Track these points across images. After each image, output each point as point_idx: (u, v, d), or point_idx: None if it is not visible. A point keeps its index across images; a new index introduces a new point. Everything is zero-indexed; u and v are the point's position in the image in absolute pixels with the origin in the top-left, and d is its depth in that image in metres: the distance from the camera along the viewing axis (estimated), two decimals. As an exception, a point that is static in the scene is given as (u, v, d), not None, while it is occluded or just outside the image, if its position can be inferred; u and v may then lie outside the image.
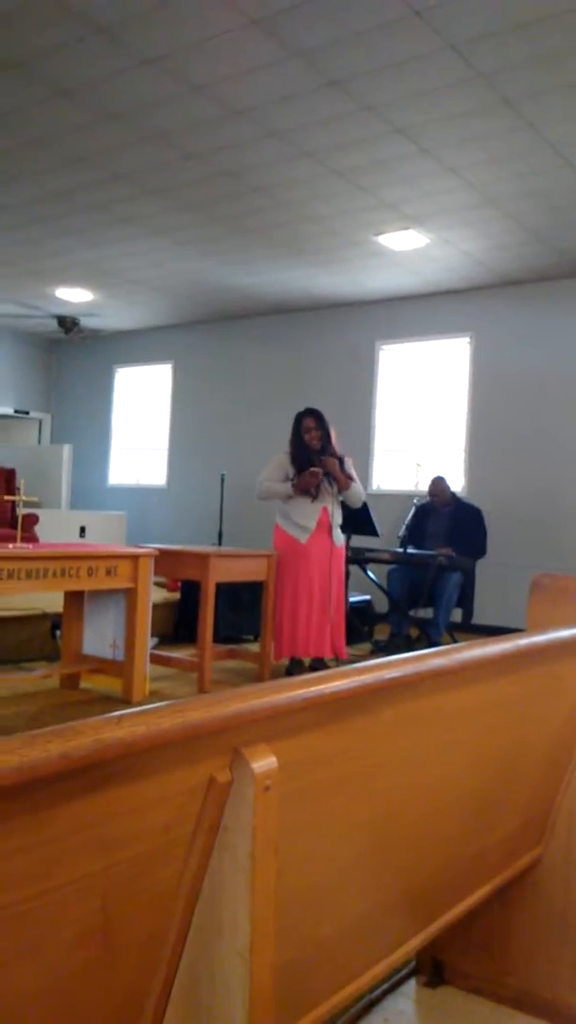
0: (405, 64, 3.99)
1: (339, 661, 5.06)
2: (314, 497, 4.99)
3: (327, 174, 5.28)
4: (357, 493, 5.18)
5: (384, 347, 8.32)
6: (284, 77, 4.15)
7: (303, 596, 4.98)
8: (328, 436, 5.08)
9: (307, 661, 5.15)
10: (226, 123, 4.66)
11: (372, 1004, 1.88)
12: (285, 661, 5.16)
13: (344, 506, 5.21)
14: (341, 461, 5.09)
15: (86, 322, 9.62)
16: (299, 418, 5.11)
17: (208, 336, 9.53)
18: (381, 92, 4.25)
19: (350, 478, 5.10)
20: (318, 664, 5.05)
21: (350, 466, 5.17)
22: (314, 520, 5.00)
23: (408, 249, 6.63)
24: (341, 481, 5.04)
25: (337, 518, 5.10)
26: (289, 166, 5.20)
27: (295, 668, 5.12)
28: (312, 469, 4.93)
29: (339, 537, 5.14)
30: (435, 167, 5.10)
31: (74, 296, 8.59)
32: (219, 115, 4.57)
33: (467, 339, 7.77)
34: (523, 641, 1.55)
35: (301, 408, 5.25)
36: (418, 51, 3.87)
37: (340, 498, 5.13)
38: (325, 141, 4.83)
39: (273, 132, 4.74)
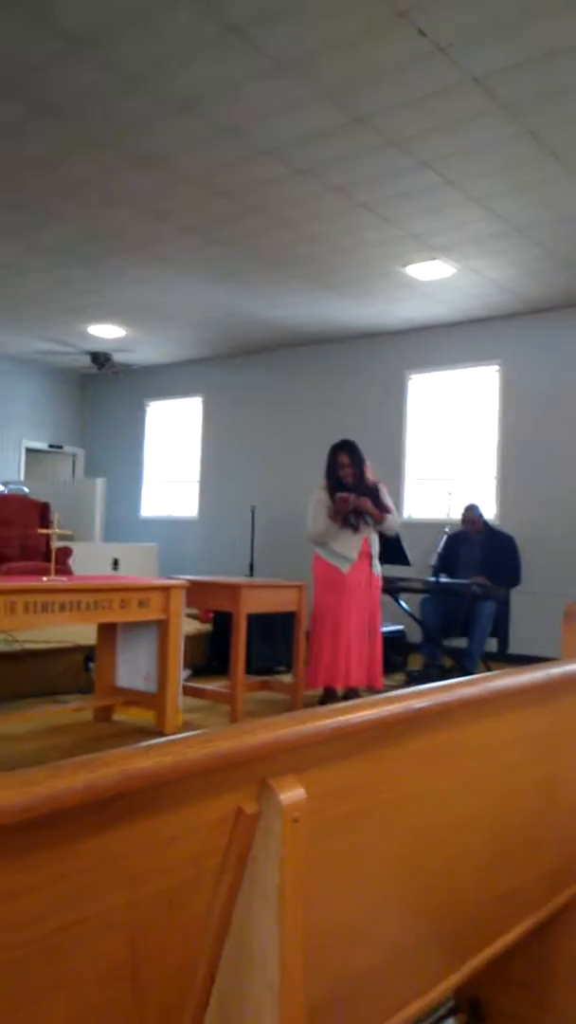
0: (429, 98, 4.04)
1: (375, 691, 5.01)
2: (356, 529, 5.00)
3: (354, 208, 5.35)
4: (392, 523, 5.17)
5: (413, 376, 8.33)
6: (312, 116, 4.23)
7: (343, 626, 4.96)
8: (362, 470, 5.08)
9: (340, 692, 5.11)
10: (255, 162, 4.75)
11: (409, 1045, 1.83)
12: (318, 691, 5.13)
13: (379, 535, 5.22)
14: (376, 492, 5.09)
15: (118, 357, 9.77)
16: (334, 452, 5.13)
17: (238, 369, 9.63)
18: (406, 126, 4.31)
19: (385, 509, 5.10)
20: (351, 695, 5.01)
21: (385, 494, 5.16)
22: (356, 551, 5.00)
23: (435, 279, 6.66)
24: (376, 516, 5.04)
25: (376, 548, 5.11)
26: (317, 201, 5.27)
27: (328, 698, 5.08)
28: (340, 494, 4.94)
29: (377, 567, 5.14)
30: (460, 197, 5.13)
31: (107, 332, 8.75)
32: (248, 154, 4.66)
33: (496, 367, 7.76)
34: (555, 670, 1.53)
35: (330, 438, 5.26)
36: (441, 85, 3.92)
37: (377, 529, 5.13)
38: (352, 176, 4.89)
39: (301, 169, 4.82)
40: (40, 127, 4.44)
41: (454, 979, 1.46)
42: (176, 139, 4.52)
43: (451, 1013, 1.97)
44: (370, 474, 5.17)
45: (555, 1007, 1.84)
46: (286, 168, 4.81)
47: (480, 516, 6.52)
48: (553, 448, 7.32)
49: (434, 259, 6.21)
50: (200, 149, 4.62)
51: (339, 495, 4.95)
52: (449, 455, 8.14)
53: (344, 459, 5.06)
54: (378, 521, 5.06)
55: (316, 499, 5.12)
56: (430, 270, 6.44)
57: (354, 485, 5.02)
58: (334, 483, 5.06)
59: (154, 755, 0.82)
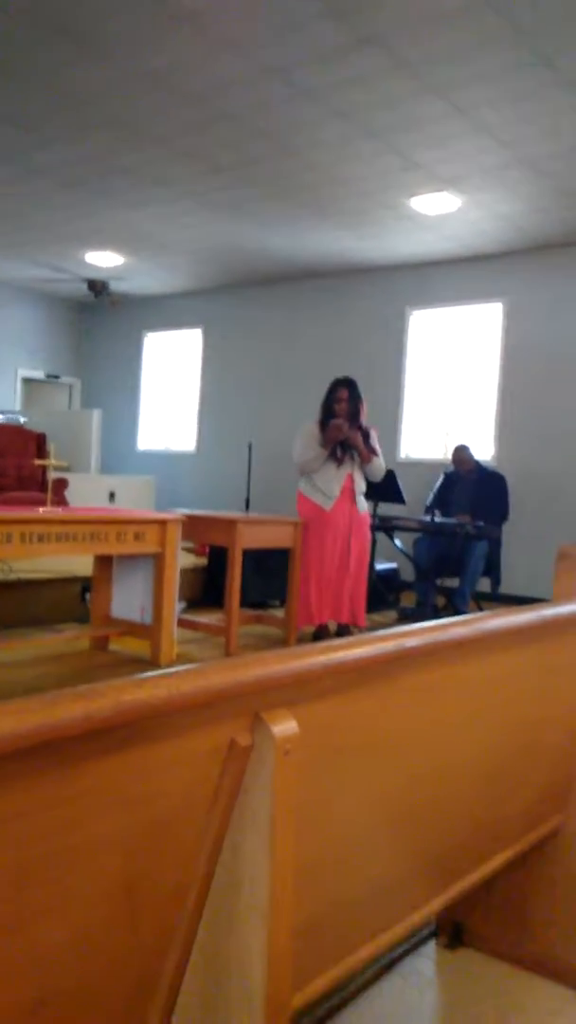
0: (440, 20, 3.88)
1: (358, 629, 5.08)
2: (340, 463, 4.98)
3: (359, 135, 5.19)
4: (378, 468, 5.16)
5: (414, 313, 8.21)
6: (317, 34, 4.06)
7: (328, 563, 4.99)
8: (358, 408, 5.05)
9: (332, 628, 5.17)
10: (258, 82, 4.59)
11: (391, 964, 1.91)
12: (311, 628, 5.19)
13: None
14: (367, 434, 5.06)
15: (115, 286, 9.60)
16: (333, 387, 5.08)
17: (238, 301, 9.48)
18: (415, 49, 4.15)
19: (373, 452, 5.08)
20: (343, 631, 5.07)
21: (374, 439, 5.14)
22: (338, 487, 4.99)
23: (441, 212, 6.51)
24: (364, 455, 5.02)
25: (361, 485, 5.09)
26: (321, 126, 5.11)
27: (322, 635, 5.15)
28: (334, 420, 4.92)
29: (362, 504, 5.14)
30: (470, 127, 4.98)
31: (104, 260, 8.57)
32: (251, 74, 4.49)
33: (500, 305, 7.64)
34: (547, 612, 1.55)
35: (330, 374, 5.20)
36: (453, 6, 3.77)
37: (363, 470, 5.12)
38: (357, 100, 4.73)
39: (305, 91, 4.66)
40: (37, 42, 4.27)
41: (436, 904, 1.51)
42: (175, 56, 4.35)
43: (432, 936, 2.05)
44: (365, 416, 5.14)
45: (533, 932, 1.91)
46: (291, 89, 4.65)
47: (471, 456, 6.51)
48: (555, 389, 7.26)
49: (440, 191, 6.06)
50: (201, 67, 4.45)
51: (332, 421, 4.93)
52: (448, 394, 8.08)
53: (343, 394, 5.02)
54: (365, 461, 5.05)
55: (306, 430, 5.09)
56: (435, 202, 6.29)
57: (350, 421, 4.99)
58: (328, 416, 5.03)
59: (149, 687, 0.84)
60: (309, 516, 5.04)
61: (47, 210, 7.04)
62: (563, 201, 6.16)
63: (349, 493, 5.04)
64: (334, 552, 5.00)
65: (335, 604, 5.03)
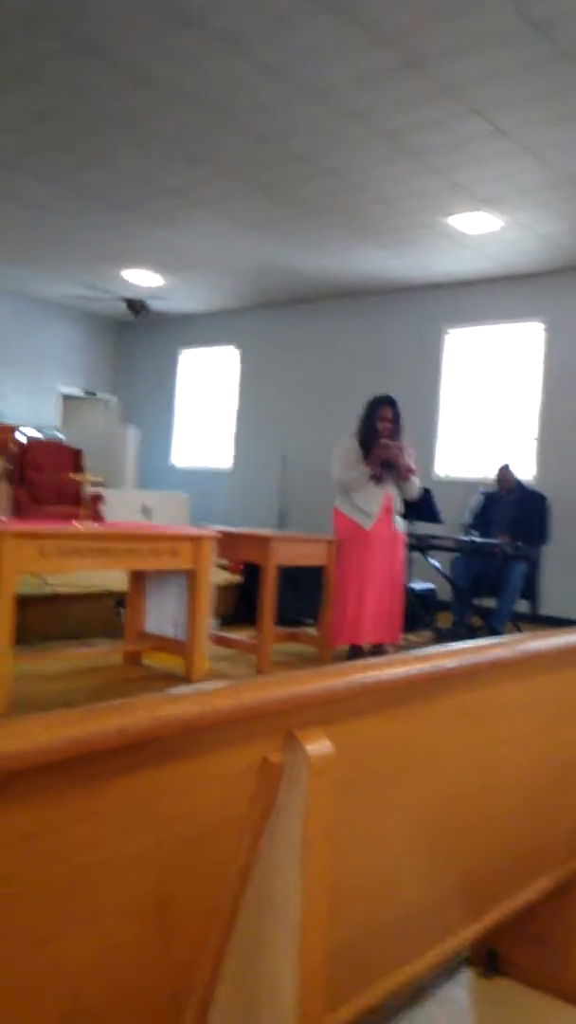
0: (485, 42, 3.89)
1: (393, 647, 5.04)
2: (379, 481, 4.97)
3: (401, 155, 5.21)
4: (414, 486, 5.14)
5: (451, 332, 8.18)
6: (361, 57, 4.10)
7: (368, 583, 4.96)
8: (400, 428, 5.04)
9: (367, 648, 5.14)
10: (298, 103, 4.63)
11: (425, 990, 1.87)
12: (345, 647, 5.16)
13: None
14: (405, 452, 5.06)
15: (153, 304, 9.71)
16: (376, 404, 5.06)
17: (275, 319, 9.53)
18: (460, 71, 4.16)
19: (411, 471, 5.07)
20: (378, 651, 5.03)
21: (410, 457, 5.12)
22: (378, 506, 4.97)
23: (480, 232, 6.50)
24: (403, 473, 5.01)
25: (399, 505, 5.07)
26: (363, 147, 5.14)
27: (355, 655, 5.11)
28: (383, 441, 4.90)
29: (400, 523, 5.11)
30: (511, 147, 4.97)
31: (143, 279, 8.68)
32: (291, 95, 4.54)
33: (540, 324, 7.59)
34: (588, 633, 1.52)
35: (365, 392, 5.19)
36: (499, 28, 3.77)
37: (401, 487, 5.10)
38: (401, 122, 4.75)
39: (348, 113, 4.69)
40: (80, 65, 4.36)
41: (472, 931, 1.48)
42: (219, 79, 4.41)
43: (466, 963, 2.01)
44: (405, 437, 5.13)
45: (572, 962, 1.86)
46: (331, 111, 4.69)
47: (512, 475, 6.44)
48: (593, 409, 7.18)
49: (478, 210, 6.05)
50: (242, 89, 4.51)
51: (382, 441, 4.91)
52: (486, 413, 8.03)
53: (387, 412, 5.02)
54: (403, 478, 5.03)
55: (345, 446, 5.08)
56: (474, 222, 6.28)
57: (391, 439, 5.00)
58: (369, 433, 5.01)
59: (184, 703, 0.83)
60: (347, 534, 5.02)
61: (87, 229, 7.16)
62: (604, 220, 6.12)
63: (388, 512, 5.02)
64: (374, 572, 4.97)
65: (377, 625, 4.99)
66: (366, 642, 5.04)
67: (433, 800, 1.27)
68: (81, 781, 0.78)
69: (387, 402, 5.06)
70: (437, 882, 1.36)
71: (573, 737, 1.62)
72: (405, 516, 5.26)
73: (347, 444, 5.08)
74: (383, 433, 4.98)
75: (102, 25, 3.97)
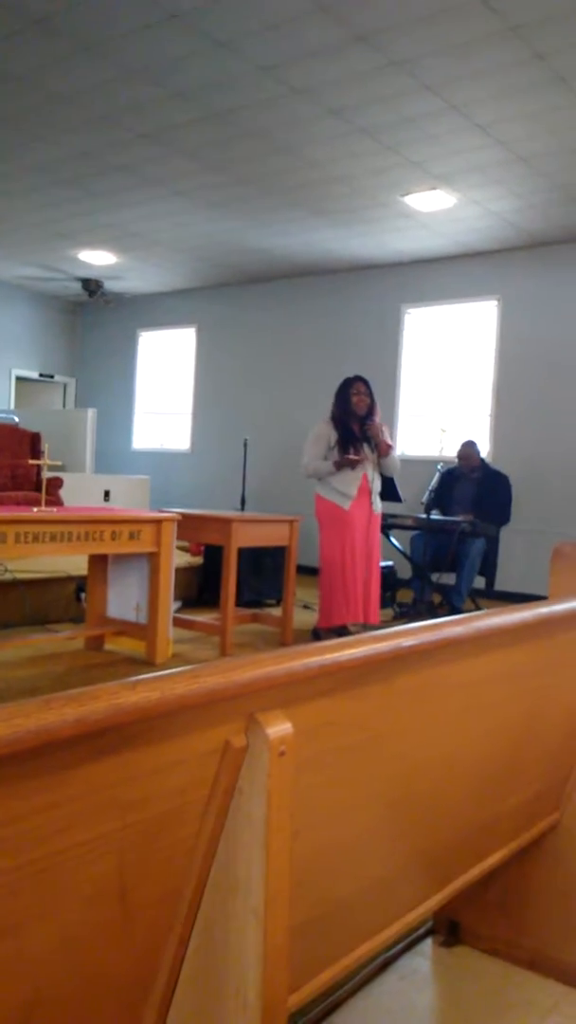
0: (435, 17, 3.88)
1: (371, 627, 5.07)
2: (352, 467, 4.99)
3: (353, 132, 5.18)
4: (394, 461, 5.18)
5: (410, 310, 8.21)
6: (311, 32, 4.06)
7: (350, 563, 4.99)
8: (374, 404, 5.08)
9: (352, 628, 5.16)
10: (251, 80, 4.58)
11: (388, 963, 1.91)
12: (311, 626, 5.19)
13: None
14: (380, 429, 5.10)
15: (110, 285, 9.58)
16: (348, 383, 5.10)
17: (232, 300, 9.46)
18: (410, 47, 4.14)
19: (389, 446, 5.10)
20: (342, 631, 5.06)
21: (387, 435, 5.16)
22: (355, 487, 5.00)
23: (435, 210, 6.51)
24: (383, 447, 5.04)
25: (376, 484, 5.11)
26: (315, 124, 5.10)
27: (342, 634, 5.13)
28: (351, 456, 4.92)
29: (378, 504, 5.15)
30: (464, 124, 4.98)
31: (98, 259, 8.55)
32: (244, 72, 4.49)
33: (494, 302, 7.64)
34: (543, 610, 1.55)
35: (325, 371, 5.22)
36: (449, 4, 3.76)
37: (380, 463, 5.13)
38: (352, 98, 4.72)
39: (299, 89, 4.65)
40: (31, 39, 4.26)
41: (433, 902, 1.51)
42: (168, 53, 4.34)
43: (428, 934, 2.05)
44: (378, 413, 5.16)
45: (531, 931, 1.91)
46: (284, 88, 4.64)
47: (477, 453, 6.50)
48: (550, 385, 7.27)
49: (434, 188, 6.05)
50: (194, 65, 4.45)
51: (350, 456, 4.91)
52: (444, 391, 8.08)
53: (361, 387, 5.06)
54: (383, 454, 5.06)
55: (316, 432, 5.09)
56: (430, 200, 6.29)
57: (366, 415, 5.02)
58: (345, 410, 5.03)
59: (142, 690, 0.83)
60: (328, 517, 5.04)
61: (40, 209, 7.02)
62: (557, 198, 6.16)
63: (366, 492, 5.05)
64: (354, 551, 5.00)
65: (359, 604, 5.03)
66: (353, 620, 5.06)
67: (393, 777, 1.29)
68: (41, 772, 0.77)
69: (358, 378, 5.12)
70: (399, 856, 1.39)
71: (528, 711, 1.65)
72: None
73: (319, 430, 5.10)
74: (359, 407, 5.01)
75: (50, 1, 3.88)
